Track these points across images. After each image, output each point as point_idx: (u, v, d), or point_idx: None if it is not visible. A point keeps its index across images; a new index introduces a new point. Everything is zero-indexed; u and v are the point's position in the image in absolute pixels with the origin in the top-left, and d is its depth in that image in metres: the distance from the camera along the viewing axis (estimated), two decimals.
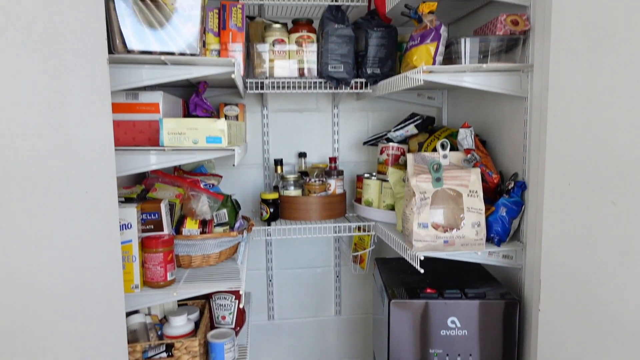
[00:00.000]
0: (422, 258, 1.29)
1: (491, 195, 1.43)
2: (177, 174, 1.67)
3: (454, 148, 1.49)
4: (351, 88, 1.63)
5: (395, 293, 1.33)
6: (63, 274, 0.80)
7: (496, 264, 1.38)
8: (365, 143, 1.88)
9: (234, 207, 1.61)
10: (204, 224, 1.45)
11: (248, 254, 1.66)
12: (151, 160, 1.28)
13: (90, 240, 0.90)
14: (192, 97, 1.62)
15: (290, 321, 2.08)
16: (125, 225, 1.24)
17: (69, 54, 0.83)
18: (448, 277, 1.45)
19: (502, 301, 1.28)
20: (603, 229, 0.95)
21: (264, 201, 1.74)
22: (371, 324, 2.11)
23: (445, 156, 1.42)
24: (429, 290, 1.31)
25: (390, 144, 1.75)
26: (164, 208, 1.35)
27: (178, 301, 1.52)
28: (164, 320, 1.43)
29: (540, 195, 1.22)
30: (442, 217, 1.37)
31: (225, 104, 1.77)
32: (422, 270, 1.28)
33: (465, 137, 1.46)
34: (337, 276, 2.08)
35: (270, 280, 2.04)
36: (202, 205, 1.48)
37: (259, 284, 2.04)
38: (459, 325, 1.27)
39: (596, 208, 0.96)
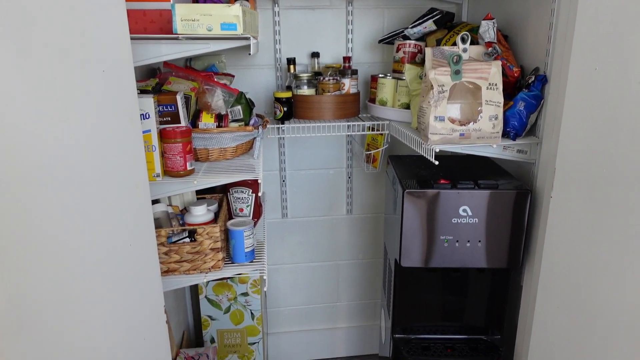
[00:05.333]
0: (438, 150, 1.30)
1: (510, 91, 1.41)
2: None
3: (474, 42, 1.45)
4: None
5: (409, 184, 1.36)
6: (90, 155, 0.82)
7: (510, 158, 1.39)
8: (380, 41, 1.82)
9: (248, 104, 1.61)
10: (220, 119, 1.46)
11: (262, 153, 1.68)
12: (164, 51, 1.26)
13: (113, 123, 0.91)
14: None
15: (303, 219, 2.15)
16: (143, 115, 1.25)
17: None
18: (462, 171, 1.47)
19: (514, 191, 1.31)
20: (624, 113, 0.94)
21: (278, 100, 1.73)
22: (381, 222, 2.19)
23: (465, 50, 1.38)
24: (442, 181, 1.34)
25: (407, 41, 1.70)
26: (179, 100, 1.34)
27: (196, 195, 1.57)
28: (185, 210, 1.49)
29: (562, 87, 1.20)
30: (458, 112, 1.36)
31: None
32: (436, 163, 1.30)
33: (488, 30, 1.41)
34: (349, 177, 2.12)
35: (283, 181, 2.09)
36: (217, 100, 1.47)
37: (272, 184, 2.09)
38: (470, 213, 1.31)
39: (621, 90, 0.95)
